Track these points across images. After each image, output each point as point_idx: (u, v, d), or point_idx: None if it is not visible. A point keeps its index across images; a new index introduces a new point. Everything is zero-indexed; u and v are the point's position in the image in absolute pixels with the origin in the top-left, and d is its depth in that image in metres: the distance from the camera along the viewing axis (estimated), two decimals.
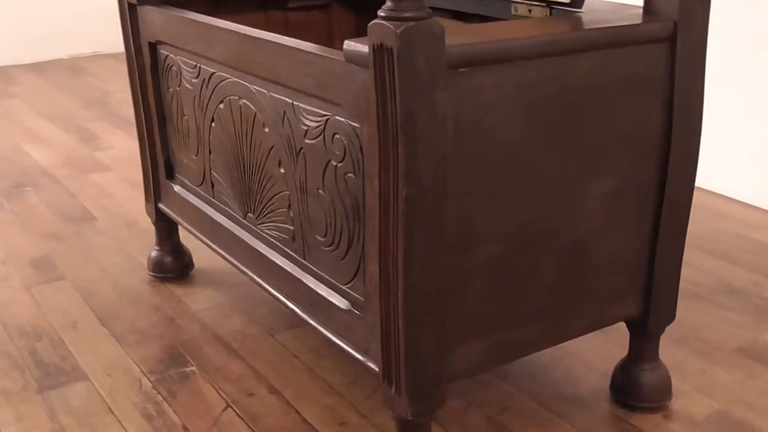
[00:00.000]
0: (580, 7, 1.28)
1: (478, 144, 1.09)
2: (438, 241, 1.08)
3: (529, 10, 1.36)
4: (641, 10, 1.24)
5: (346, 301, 1.23)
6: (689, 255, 1.95)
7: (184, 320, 1.72)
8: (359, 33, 1.40)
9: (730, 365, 1.52)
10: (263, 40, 1.28)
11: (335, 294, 1.26)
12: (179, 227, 1.86)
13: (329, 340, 1.28)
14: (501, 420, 1.38)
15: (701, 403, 1.41)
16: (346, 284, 1.23)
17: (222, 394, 1.47)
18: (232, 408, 1.43)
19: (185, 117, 1.62)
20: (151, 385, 1.50)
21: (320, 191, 1.24)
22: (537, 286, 1.22)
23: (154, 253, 1.89)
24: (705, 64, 1.24)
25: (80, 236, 2.13)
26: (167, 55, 1.63)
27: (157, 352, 1.61)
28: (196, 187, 1.66)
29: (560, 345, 1.57)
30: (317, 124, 1.22)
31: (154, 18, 1.61)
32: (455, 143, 1.06)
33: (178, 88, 1.62)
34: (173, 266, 1.88)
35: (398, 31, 0.97)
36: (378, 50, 1.00)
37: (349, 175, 1.17)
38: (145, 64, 1.69)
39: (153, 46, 1.66)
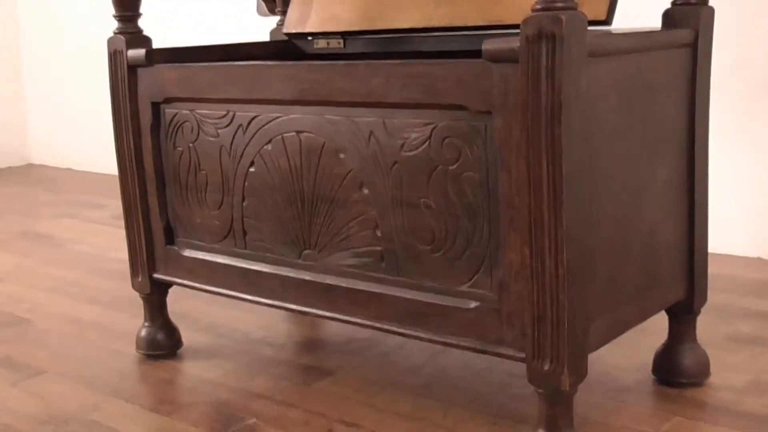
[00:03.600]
0: (611, 24, 1.47)
1: (595, 128, 1.22)
2: (581, 219, 1.18)
3: (327, 43, 1.80)
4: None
5: (469, 300, 1.28)
6: None
7: (207, 387, 1.64)
8: None
9: (728, 351, 1.71)
10: (352, 65, 1.34)
11: (450, 297, 1.30)
12: (167, 303, 1.79)
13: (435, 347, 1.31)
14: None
15: (733, 376, 1.57)
16: (465, 284, 1.28)
17: None
18: None
19: (203, 172, 1.60)
20: None
21: (424, 200, 1.30)
22: (633, 266, 1.34)
23: (144, 331, 1.78)
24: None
25: (26, 336, 1.95)
26: (176, 113, 1.62)
27: (201, 416, 1.51)
28: (214, 245, 1.62)
29: None
30: (418, 134, 1.28)
31: (165, 75, 1.60)
32: (586, 127, 1.19)
33: (191, 144, 1.60)
34: (166, 342, 1.79)
35: (564, 17, 1.09)
36: (535, 40, 1.11)
37: (466, 174, 1.25)
38: (143, 126, 1.66)
39: (156, 106, 1.64)
